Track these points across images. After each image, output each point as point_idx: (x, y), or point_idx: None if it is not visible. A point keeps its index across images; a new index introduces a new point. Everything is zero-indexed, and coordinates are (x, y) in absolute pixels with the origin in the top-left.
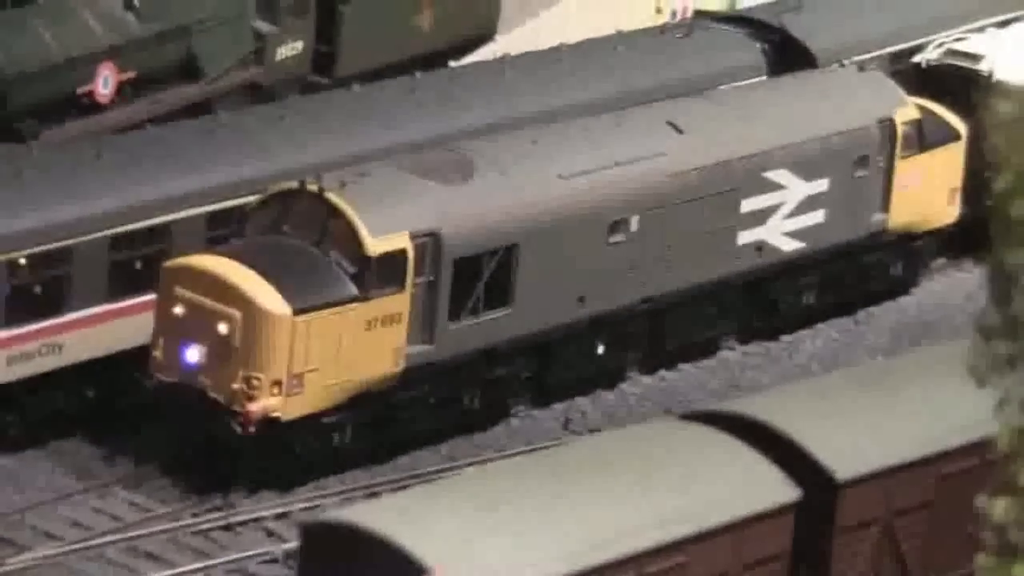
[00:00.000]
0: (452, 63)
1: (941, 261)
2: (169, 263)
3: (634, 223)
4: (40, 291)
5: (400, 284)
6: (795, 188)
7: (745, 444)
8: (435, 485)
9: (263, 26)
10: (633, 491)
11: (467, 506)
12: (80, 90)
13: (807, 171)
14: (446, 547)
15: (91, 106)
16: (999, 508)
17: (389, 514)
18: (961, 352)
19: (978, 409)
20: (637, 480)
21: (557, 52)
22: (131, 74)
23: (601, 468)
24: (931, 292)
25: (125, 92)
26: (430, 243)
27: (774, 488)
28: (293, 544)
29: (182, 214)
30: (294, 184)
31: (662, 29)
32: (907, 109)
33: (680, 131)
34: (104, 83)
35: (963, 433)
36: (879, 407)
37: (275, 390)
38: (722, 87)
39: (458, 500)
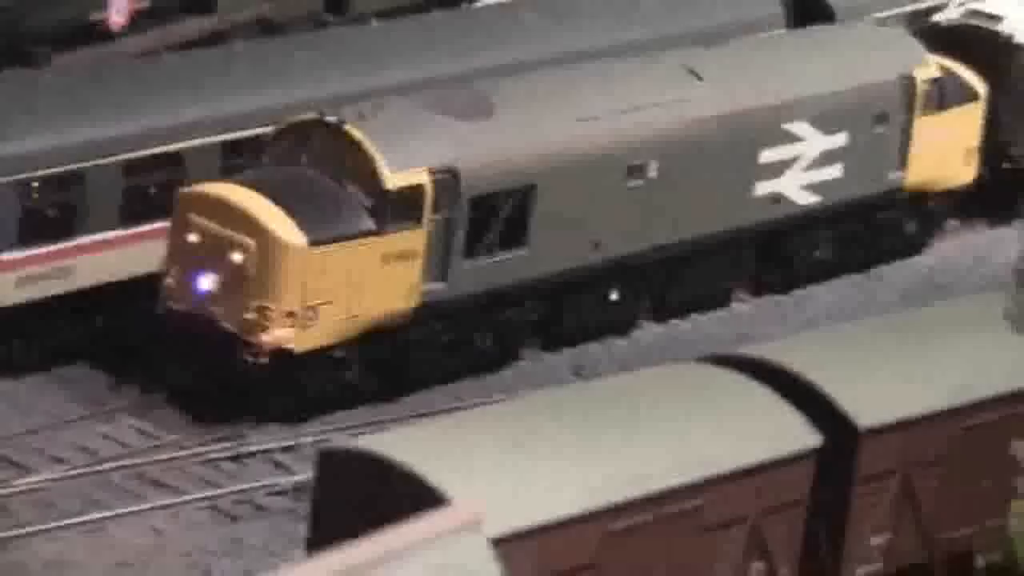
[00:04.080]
0: (468, 3)
1: (954, 222)
2: (184, 190)
3: (652, 169)
4: (52, 214)
5: (417, 220)
6: (813, 141)
7: (767, 388)
8: (454, 418)
9: None
10: (653, 432)
11: (488, 440)
12: (93, 17)
13: (826, 124)
14: (466, 479)
15: (103, 34)
16: None
17: (409, 444)
18: (984, 307)
19: (1000, 364)
20: (657, 421)
21: None
22: (144, 4)
23: (623, 407)
24: (943, 253)
25: (138, 22)
26: (448, 180)
27: (795, 434)
28: (301, 477)
29: (197, 142)
30: (313, 115)
31: None
32: (927, 67)
33: (700, 78)
34: (117, 11)
35: (984, 388)
36: (902, 358)
37: (288, 321)
38: (743, 37)
39: (479, 434)
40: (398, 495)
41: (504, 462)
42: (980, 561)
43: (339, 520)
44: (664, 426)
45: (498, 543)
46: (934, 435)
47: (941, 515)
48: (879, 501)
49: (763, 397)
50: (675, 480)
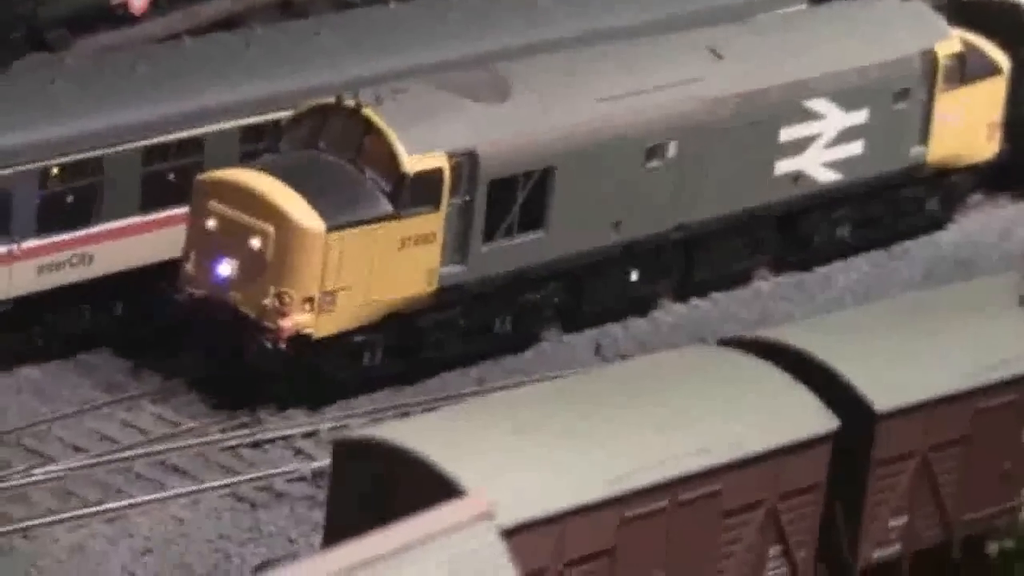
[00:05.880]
0: None
1: (977, 197)
2: (203, 176)
3: (671, 149)
4: (72, 201)
5: (435, 203)
6: (834, 118)
7: (784, 372)
8: (469, 405)
9: None
10: (670, 417)
11: (503, 428)
12: (114, 1)
13: (847, 101)
14: (482, 468)
15: (124, 18)
16: None
17: (423, 433)
18: (1001, 288)
19: (1017, 345)
20: (674, 406)
21: None
22: None
23: (638, 393)
24: (966, 228)
25: (159, 5)
26: (466, 163)
27: (812, 417)
28: (320, 463)
29: (216, 127)
30: (330, 99)
31: None
32: (949, 41)
33: (720, 57)
34: None
35: (1000, 369)
36: (918, 340)
37: (307, 307)
38: (763, 14)
39: (494, 421)
40: (413, 484)
41: (519, 450)
42: (993, 547)
43: (355, 509)
44: (681, 411)
45: (511, 533)
46: (952, 417)
47: (959, 497)
48: (896, 484)
49: (780, 381)
50: (692, 465)
